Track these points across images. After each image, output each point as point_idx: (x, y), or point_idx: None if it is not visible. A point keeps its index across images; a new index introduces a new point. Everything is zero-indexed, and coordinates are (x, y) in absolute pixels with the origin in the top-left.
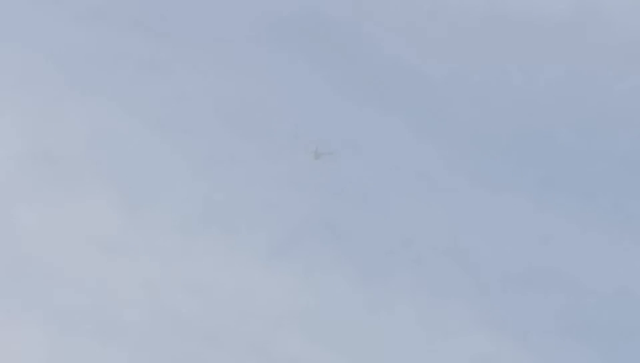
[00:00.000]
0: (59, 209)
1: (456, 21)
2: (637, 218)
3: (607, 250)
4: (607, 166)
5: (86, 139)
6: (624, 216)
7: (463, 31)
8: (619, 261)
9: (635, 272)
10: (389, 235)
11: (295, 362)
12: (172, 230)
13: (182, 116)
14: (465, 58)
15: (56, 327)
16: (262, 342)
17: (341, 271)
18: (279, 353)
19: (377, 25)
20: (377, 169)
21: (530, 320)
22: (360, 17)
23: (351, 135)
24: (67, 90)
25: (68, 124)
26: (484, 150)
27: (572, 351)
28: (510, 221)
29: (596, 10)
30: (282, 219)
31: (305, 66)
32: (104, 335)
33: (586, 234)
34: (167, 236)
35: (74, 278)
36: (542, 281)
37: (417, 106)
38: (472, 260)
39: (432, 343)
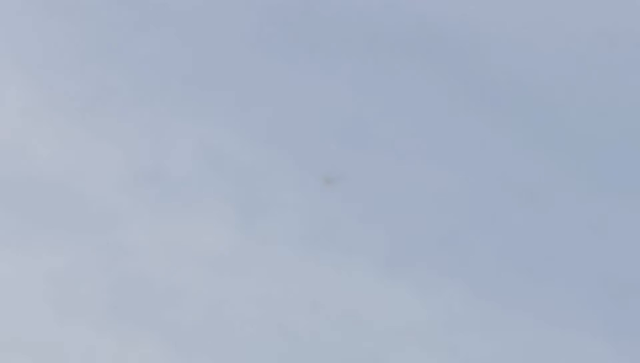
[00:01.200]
0: (169, 228)
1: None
2: None
3: None
4: None
5: (193, 155)
6: None
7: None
8: None
9: None
10: (506, 250)
11: None
12: (286, 246)
13: (290, 129)
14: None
15: (171, 346)
16: (378, 359)
17: (456, 285)
18: None
19: (487, 33)
20: (485, 182)
21: None
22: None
23: (461, 148)
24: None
25: (173, 140)
26: (601, 159)
27: None
28: None
29: None
30: (397, 233)
31: (419, 78)
32: (219, 353)
33: None
34: (281, 252)
35: (186, 297)
36: None
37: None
38: (596, 278)
39: (550, 358)
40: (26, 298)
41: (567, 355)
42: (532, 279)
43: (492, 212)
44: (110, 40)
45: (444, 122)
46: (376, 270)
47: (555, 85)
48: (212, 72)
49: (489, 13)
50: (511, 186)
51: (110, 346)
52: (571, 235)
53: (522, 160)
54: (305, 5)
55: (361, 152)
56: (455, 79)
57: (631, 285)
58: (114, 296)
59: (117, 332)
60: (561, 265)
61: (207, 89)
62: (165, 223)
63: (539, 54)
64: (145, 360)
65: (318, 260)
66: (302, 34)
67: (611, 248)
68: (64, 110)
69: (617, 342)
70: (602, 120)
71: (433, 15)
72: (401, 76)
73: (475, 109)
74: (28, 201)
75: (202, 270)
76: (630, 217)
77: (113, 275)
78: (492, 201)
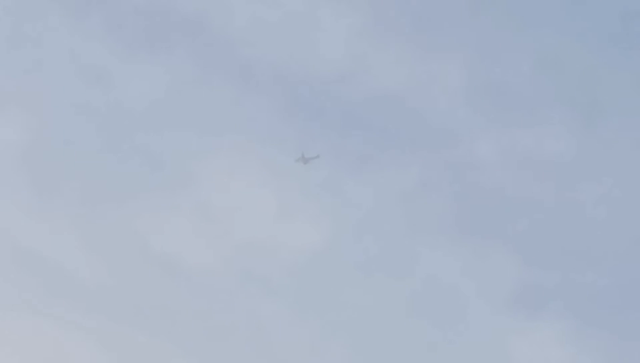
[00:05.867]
0: (513, 138)
1: None
2: None
3: None
4: None
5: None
6: None
7: None
8: None
9: None
10: None
11: None
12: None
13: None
14: None
15: (522, 256)
16: None
17: None
18: None
19: None
20: None
21: None
22: None
23: None
24: None
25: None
26: None
27: None
28: None
29: None
30: None
31: None
32: (575, 259)
33: None
34: (624, 154)
35: (536, 205)
36: None
37: None
38: None
39: None
40: (383, 217)
41: None
42: None
43: None
44: None
45: None
46: None
47: None
48: None
49: None
50: None
51: (460, 259)
52: None
53: None
54: None
55: None
56: None
57: None
58: (463, 209)
59: (467, 244)
60: None
61: None
62: (509, 134)
63: None
64: (497, 272)
65: None
66: None
67: None
68: (398, 29)
69: None
70: None
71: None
72: None
73: None
74: (374, 118)
75: (548, 177)
76: None
77: (461, 189)
78: None
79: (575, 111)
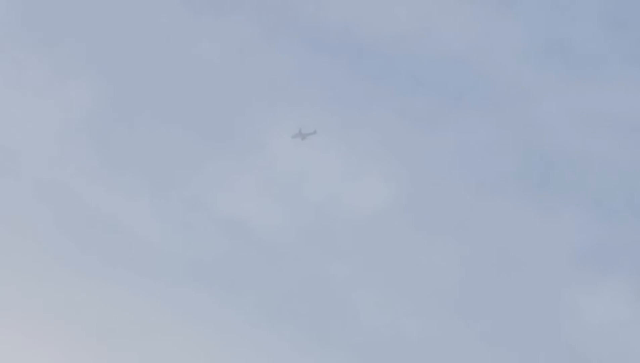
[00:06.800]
0: (579, 98)
1: None
2: None
3: None
4: None
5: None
6: None
7: None
8: None
9: None
10: None
11: None
12: None
13: None
14: None
15: (595, 218)
16: None
17: None
18: None
19: None
20: None
21: None
22: None
23: None
24: None
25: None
26: None
27: None
28: None
29: None
30: None
31: None
32: None
33: None
34: None
35: (603, 165)
36: None
37: None
38: None
39: None
40: (451, 177)
41: None
42: None
43: None
44: None
45: None
46: None
47: None
48: None
49: None
50: None
51: (529, 218)
52: None
53: None
54: None
55: None
56: None
57: None
58: (534, 170)
59: (536, 203)
60: None
61: None
62: (575, 93)
63: None
64: (566, 230)
65: None
66: None
67: None
68: None
69: None
70: None
71: None
72: None
73: None
74: (440, 78)
75: (617, 137)
76: None
77: (528, 149)
78: None
79: None
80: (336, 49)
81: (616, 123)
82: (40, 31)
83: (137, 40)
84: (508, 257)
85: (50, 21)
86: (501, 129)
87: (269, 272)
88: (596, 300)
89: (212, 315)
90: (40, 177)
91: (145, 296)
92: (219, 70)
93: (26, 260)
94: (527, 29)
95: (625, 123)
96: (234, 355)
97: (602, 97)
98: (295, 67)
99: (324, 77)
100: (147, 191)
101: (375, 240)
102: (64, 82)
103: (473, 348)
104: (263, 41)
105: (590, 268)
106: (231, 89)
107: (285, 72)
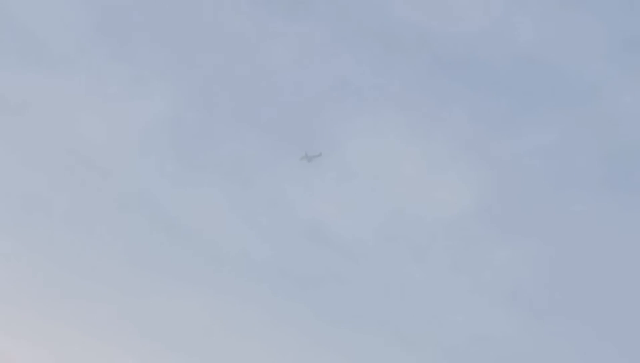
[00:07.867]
0: None
1: None
2: None
3: None
4: None
5: None
6: None
7: None
8: None
9: None
10: None
11: None
12: None
13: None
14: None
15: None
16: None
17: None
18: None
19: None
20: None
21: None
22: None
23: None
24: None
25: None
26: None
27: None
28: None
29: None
30: None
31: None
32: None
33: None
34: None
35: None
36: None
37: None
38: None
39: None
40: (528, 175)
41: None
42: None
43: None
44: None
45: None
46: None
47: None
48: None
49: None
50: None
51: (606, 214)
52: None
53: None
54: None
55: None
56: None
57: None
58: (607, 167)
59: (613, 199)
60: None
61: None
62: None
63: None
64: None
65: None
66: None
67: None
68: None
69: None
70: None
71: None
72: None
73: None
74: (515, 76)
75: None
76: None
77: (604, 145)
78: None
79: None
80: (411, 48)
81: None
82: (116, 39)
83: (211, 46)
84: (594, 256)
85: (127, 30)
86: (581, 127)
87: (347, 276)
88: None
89: (287, 317)
90: (124, 191)
91: (226, 300)
92: (293, 73)
93: (117, 273)
94: (601, 24)
95: None
96: (316, 354)
97: None
98: (371, 67)
99: (399, 75)
100: (223, 194)
101: (458, 242)
102: (142, 90)
103: (556, 349)
104: (337, 44)
105: None
106: (307, 92)
107: (361, 72)
